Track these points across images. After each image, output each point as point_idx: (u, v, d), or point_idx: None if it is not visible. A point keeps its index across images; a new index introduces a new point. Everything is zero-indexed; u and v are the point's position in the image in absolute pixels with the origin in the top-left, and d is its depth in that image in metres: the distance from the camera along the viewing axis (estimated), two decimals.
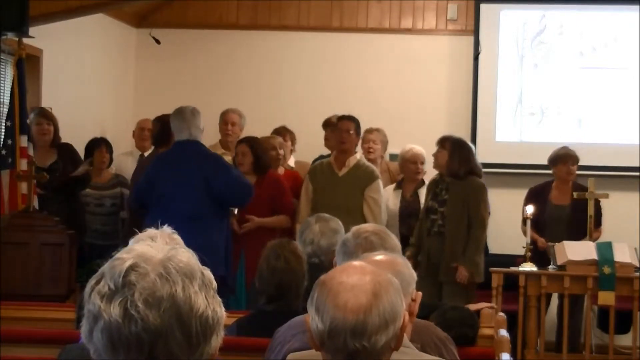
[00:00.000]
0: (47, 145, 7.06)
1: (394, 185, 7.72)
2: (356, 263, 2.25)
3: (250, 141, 7.04)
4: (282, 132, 8.04)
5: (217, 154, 6.79)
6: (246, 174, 6.89)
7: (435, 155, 7.11)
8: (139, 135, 8.20)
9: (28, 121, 6.72)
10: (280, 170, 7.43)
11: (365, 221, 6.27)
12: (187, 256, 1.55)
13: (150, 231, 3.28)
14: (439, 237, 6.90)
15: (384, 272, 2.19)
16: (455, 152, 6.98)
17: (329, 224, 4.59)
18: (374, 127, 7.90)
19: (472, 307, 4.70)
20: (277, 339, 3.15)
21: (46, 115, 7.11)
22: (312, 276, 3.64)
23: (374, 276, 2.12)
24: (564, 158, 7.51)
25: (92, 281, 1.51)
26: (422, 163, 7.63)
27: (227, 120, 7.89)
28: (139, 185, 6.52)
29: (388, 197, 7.51)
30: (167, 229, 3.28)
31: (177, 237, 3.23)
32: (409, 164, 7.62)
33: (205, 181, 6.21)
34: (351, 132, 7.02)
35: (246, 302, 6.48)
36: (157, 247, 1.54)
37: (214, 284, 1.55)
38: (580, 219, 7.29)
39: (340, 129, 7.05)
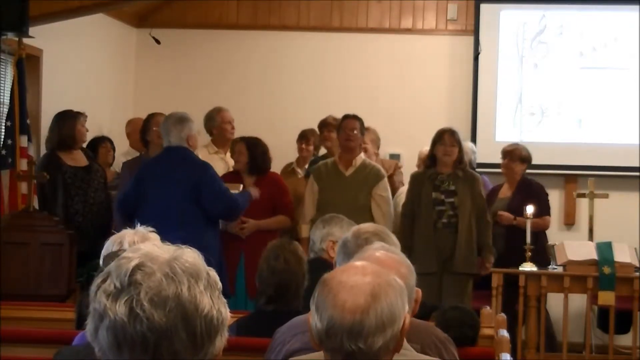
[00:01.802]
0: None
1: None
2: (358, 263, 2.23)
3: (249, 140, 6.99)
4: (307, 135, 7.99)
5: (206, 162, 6.62)
6: (242, 173, 6.88)
7: (451, 151, 6.87)
8: (137, 137, 8.02)
9: (28, 121, 6.72)
10: None
11: (373, 220, 6.27)
12: (193, 256, 1.56)
13: (124, 231, 3.26)
14: (448, 230, 6.78)
15: (386, 273, 2.16)
16: (461, 145, 6.95)
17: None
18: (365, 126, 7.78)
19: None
20: (277, 339, 3.14)
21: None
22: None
23: (374, 277, 2.10)
24: (509, 154, 7.56)
25: (98, 279, 1.52)
26: None
27: (228, 119, 7.65)
28: (125, 192, 6.40)
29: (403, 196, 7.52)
30: (141, 228, 3.26)
31: (153, 235, 3.20)
32: None
33: (193, 187, 6.14)
34: (356, 131, 6.95)
35: (251, 307, 6.39)
36: (163, 247, 1.55)
37: (219, 284, 1.56)
38: (518, 211, 7.22)
39: (346, 128, 6.95)
